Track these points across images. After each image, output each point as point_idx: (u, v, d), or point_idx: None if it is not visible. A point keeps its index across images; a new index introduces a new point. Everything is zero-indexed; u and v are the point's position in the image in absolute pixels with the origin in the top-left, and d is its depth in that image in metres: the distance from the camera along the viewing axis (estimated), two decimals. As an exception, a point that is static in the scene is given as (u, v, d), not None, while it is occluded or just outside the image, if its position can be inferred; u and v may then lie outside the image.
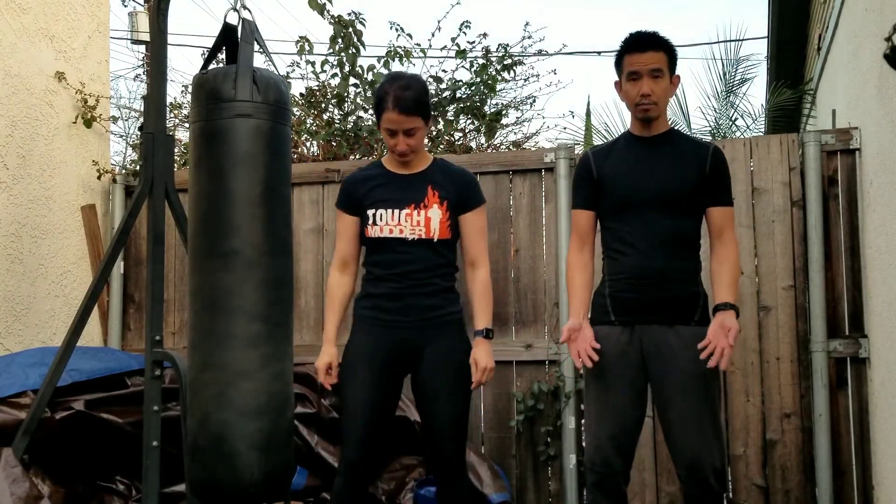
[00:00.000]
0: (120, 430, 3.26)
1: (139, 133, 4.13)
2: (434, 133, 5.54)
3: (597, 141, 7.24)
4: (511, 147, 6.58)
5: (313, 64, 5.43)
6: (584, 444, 3.22)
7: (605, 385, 2.59)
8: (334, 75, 5.35)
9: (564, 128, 12.42)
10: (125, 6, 11.35)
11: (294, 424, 2.99)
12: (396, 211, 2.69)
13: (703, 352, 2.45)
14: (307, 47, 5.24)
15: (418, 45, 5.51)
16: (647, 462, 3.72)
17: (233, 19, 2.68)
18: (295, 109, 5.54)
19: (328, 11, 5.02)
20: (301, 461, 3.47)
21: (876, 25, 3.05)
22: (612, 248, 2.65)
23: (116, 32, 13.31)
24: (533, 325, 3.96)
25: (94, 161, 4.53)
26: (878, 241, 3.23)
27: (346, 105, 5.51)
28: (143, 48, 11.63)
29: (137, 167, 4.34)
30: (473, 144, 6.01)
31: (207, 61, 2.80)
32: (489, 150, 6.09)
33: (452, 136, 5.70)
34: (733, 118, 7.47)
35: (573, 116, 11.61)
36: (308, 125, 5.55)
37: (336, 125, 5.44)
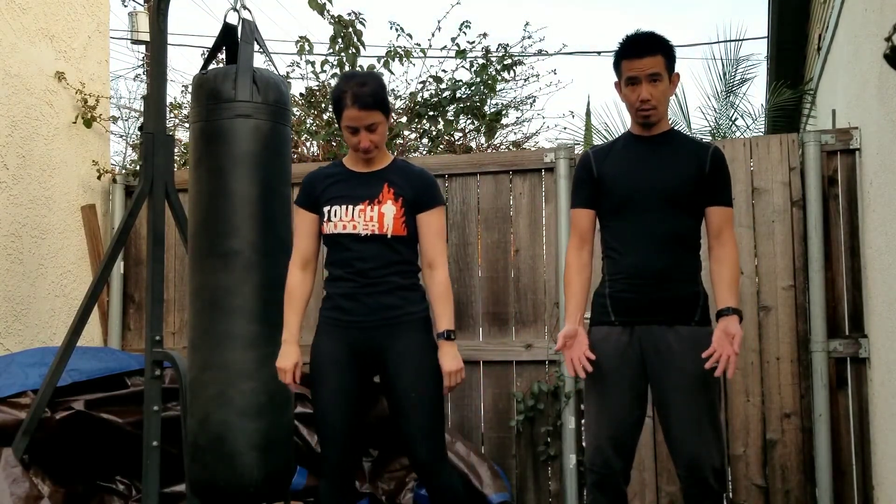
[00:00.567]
0: (120, 430, 3.26)
1: (139, 133, 4.13)
2: (434, 133, 5.54)
3: (597, 141, 7.23)
4: (511, 147, 6.58)
5: (313, 64, 5.44)
6: (584, 444, 3.22)
7: (604, 385, 2.59)
8: (334, 75, 5.35)
9: (564, 128, 12.41)
10: (125, 6, 11.37)
11: (294, 424, 2.99)
12: (350, 207, 2.66)
13: (703, 352, 2.45)
14: (307, 47, 5.24)
15: (418, 45, 5.51)
16: (647, 462, 3.72)
17: (233, 19, 2.69)
18: (295, 109, 5.54)
19: (328, 11, 5.03)
20: (301, 461, 3.47)
21: (876, 25, 3.05)
22: (611, 247, 2.64)
23: (116, 32, 13.33)
24: (533, 325, 3.96)
25: (94, 161, 4.53)
26: (878, 241, 3.23)
27: (346, 105, 5.50)
28: (143, 48, 11.63)
29: (137, 167, 4.35)
30: (473, 144, 6.01)
31: (207, 61, 2.81)
32: (489, 150, 6.10)
33: (452, 136, 5.70)
34: (733, 118, 7.46)
35: (573, 116, 11.60)
36: (308, 125, 5.55)
37: (336, 125, 5.44)
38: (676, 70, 2.63)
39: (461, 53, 5.55)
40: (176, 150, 5.33)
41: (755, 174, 3.74)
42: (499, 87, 5.69)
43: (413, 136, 5.77)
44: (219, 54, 2.81)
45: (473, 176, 4.04)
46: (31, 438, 3.08)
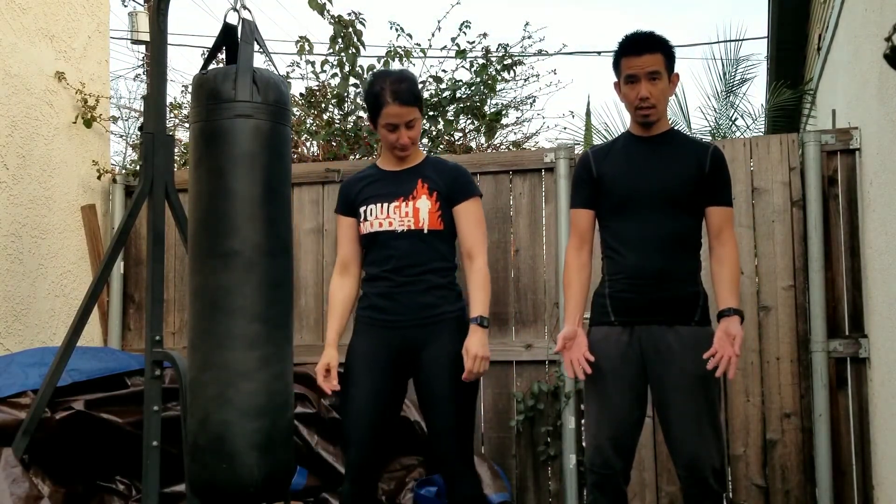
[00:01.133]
0: (120, 430, 3.26)
1: (139, 133, 4.13)
2: (434, 133, 5.54)
3: (597, 141, 7.24)
4: (511, 147, 6.58)
5: (313, 64, 5.43)
6: (584, 444, 3.22)
7: (604, 386, 2.59)
8: (334, 75, 5.35)
9: (564, 128, 12.40)
10: (125, 6, 11.38)
11: (294, 424, 2.99)
12: (385, 205, 2.68)
13: (703, 352, 2.45)
14: (307, 47, 5.24)
15: (418, 45, 5.51)
16: (647, 462, 3.72)
17: (233, 19, 2.69)
18: (295, 109, 5.53)
19: (328, 11, 5.02)
20: (301, 461, 3.47)
21: (876, 25, 3.05)
22: (611, 247, 2.65)
23: (116, 32, 13.32)
24: (533, 325, 3.96)
25: (94, 161, 4.53)
26: (878, 241, 3.23)
27: (346, 105, 5.51)
28: (143, 48, 11.63)
29: (137, 167, 4.34)
30: (473, 144, 6.01)
31: (207, 61, 2.80)
32: (489, 150, 6.10)
33: (452, 136, 5.70)
34: (733, 118, 7.47)
35: (573, 116, 11.57)
36: (308, 125, 5.55)
37: (336, 125, 5.44)
38: (676, 71, 2.64)
39: (461, 53, 5.54)
40: (176, 150, 5.33)
41: (755, 174, 3.74)
42: (499, 87, 5.68)
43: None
44: (219, 54, 2.80)
45: (473, 176, 4.03)
46: (31, 438, 3.07)
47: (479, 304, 2.65)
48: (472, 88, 5.50)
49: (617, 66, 2.64)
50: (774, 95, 6.76)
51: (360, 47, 5.12)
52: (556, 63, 27.67)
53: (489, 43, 5.80)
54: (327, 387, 2.69)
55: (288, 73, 5.65)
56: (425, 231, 2.64)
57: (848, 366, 3.55)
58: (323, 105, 5.73)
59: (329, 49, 5.15)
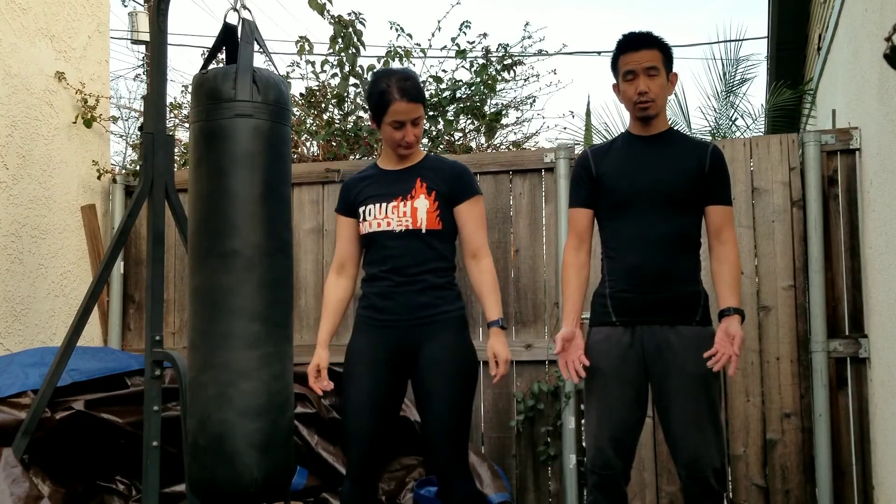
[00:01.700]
0: (120, 430, 3.26)
1: (139, 133, 4.13)
2: (434, 133, 5.54)
3: (597, 141, 7.23)
4: (511, 147, 6.58)
5: (313, 64, 5.43)
6: (584, 444, 3.22)
7: (605, 386, 2.59)
8: (334, 75, 5.36)
9: (564, 128, 12.41)
10: (125, 6, 11.37)
11: (294, 424, 2.99)
12: (384, 204, 2.67)
13: (703, 352, 2.45)
14: (307, 47, 5.24)
15: (418, 45, 5.51)
16: (647, 462, 3.72)
17: (233, 19, 2.69)
18: (295, 109, 5.53)
19: (328, 11, 5.02)
20: (301, 461, 3.47)
21: (876, 25, 3.05)
22: (611, 247, 2.64)
23: (116, 32, 13.34)
24: (533, 325, 3.96)
25: (94, 161, 4.53)
26: (877, 241, 3.23)
27: (346, 105, 5.51)
28: (143, 48, 11.64)
29: (137, 167, 4.34)
30: (473, 144, 6.01)
31: (207, 61, 2.80)
32: (489, 150, 6.10)
33: (452, 136, 5.70)
34: (733, 118, 7.47)
35: (573, 116, 11.56)
36: (308, 125, 5.55)
37: (336, 125, 5.44)
38: (675, 71, 2.64)
39: (461, 53, 5.55)
40: (176, 150, 5.33)
41: (755, 174, 3.74)
42: (499, 87, 5.69)
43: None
44: (219, 54, 2.80)
45: (473, 176, 4.03)
46: (31, 438, 3.07)
47: (493, 306, 2.65)
48: (472, 88, 5.50)
49: (615, 66, 2.64)
50: (774, 95, 6.76)
51: (360, 47, 5.12)
52: (556, 63, 27.70)
53: (489, 43, 5.82)
54: (318, 387, 2.69)
55: (288, 73, 5.66)
56: (423, 231, 2.64)
57: (848, 366, 3.55)
58: (323, 105, 5.73)
59: (329, 49, 5.15)
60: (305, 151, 5.60)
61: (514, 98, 6.31)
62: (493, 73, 5.54)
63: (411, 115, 2.64)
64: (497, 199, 4.05)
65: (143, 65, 11.83)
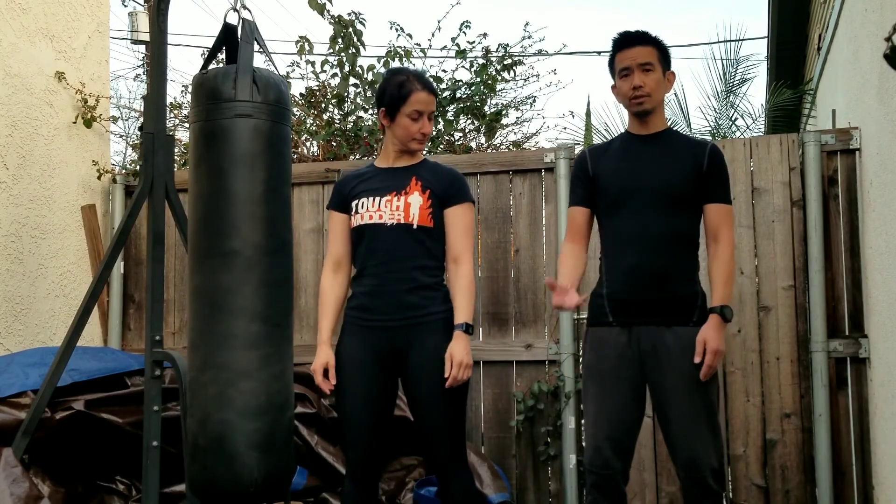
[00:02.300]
0: (120, 430, 3.26)
1: (139, 133, 4.13)
2: (434, 133, 5.55)
3: (597, 141, 7.24)
4: (511, 147, 6.58)
5: (313, 64, 5.44)
6: (583, 444, 3.22)
7: (603, 386, 2.58)
8: (334, 75, 5.36)
9: (564, 128, 12.43)
10: (125, 6, 11.38)
11: (294, 424, 2.99)
12: (377, 198, 2.67)
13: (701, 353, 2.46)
14: (307, 47, 5.25)
15: (418, 45, 5.52)
16: (647, 462, 3.72)
17: (233, 19, 2.69)
18: (295, 109, 5.54)
19: (328, 11, 5.03)
20: (301, 461, 3.47)
21: (876, 25, 3.05)
22: (609, 247, 2.64)
23: (116, 32, 13.34)
24: (533, 325, 3.96)
25: (94, 161, 4.53)
26: (877, 242, 3.23)
27: (346, 105, 5.52)
28: (143, 48, 11.65)
29: (137, 167, 4.34)
30: (473, 144, 6.01)
31: (207, 61, 2.80)
32: (489, 150, 6.10)
33: (452, 136, 5.71)
34: (733, 118, 7.47)
35: (573, 116, 11.59)
36: (308, 125, 5.56)
37: (336, 125, 5.45)
38: (672, 70, 2.64)
39: (461, 53, 5.55)
40: (176, 150, 5.33)
41: (755, 174, 3.74)
42: (499, 87, 5.70)
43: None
44: (219, 54, 2.80)
45: (473, 176, 4.04)
46: (31, 438, 3.07)
47: (463, 310, 2.62)
48: (472, 88, 5.51)
49: (612, 65, 2.65)
50: (774, 95, 6.76)
51: (360, 47, 5.13)
52: (556, 63, 27.72)
53: (489, 43, 5.83)
54: (326, 386, 2.68)
55: (288, 73, 5.67)
56: (415, 226, 2.63)
57: (848, 366, 3.55)
58: (323, 105, 5.74)
59: (329, 49, 5.15)
60: (305, 151, 5.61)
61: (514, 98, 6.33)
62: (493, 73, 5.55)
63: (430, 106, 2.70)
64: (497, 199, 4.05)
65: (143, 65, 11.83)
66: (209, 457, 2.45)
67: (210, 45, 2.81)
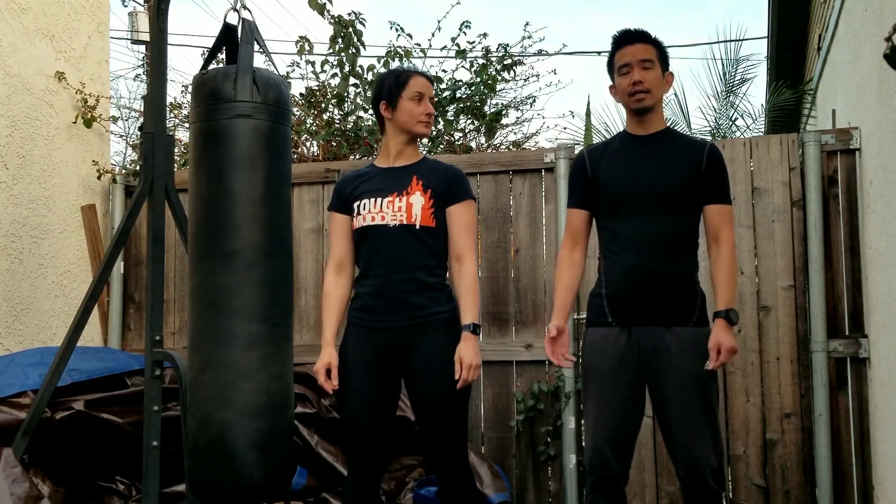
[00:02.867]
0: (120, 430, 3.26)
1: (139, 133, 4.13)
2: (434, 133, 5.55)
3: (597, 141, 7.24)
4: (511, 147, 6.58)
5: (313, 64, 5.44)
6: (583, 444, 3.22)
7: (603, 387, 2.58)
8: (334, 75, 5.36)
9: (564, 128, 12.42)
10: (125, 6, 11.38)
11: (294, 424, 2.99)
12: (379, 199, 2.67)
13: (701, 353, 2.46)
14: (307, 47, 5.25)
15: (418, 45, 5.52)
16: (647, 462, 3.72)
17: (233, 19, 2.69)
18: (295, 109, 5.54)
19: (328, 11, 5.03)
20: (301, 461, 3.47)
21: (876, 25, 3.05)
22: (608, 247, 2.64)
23: (116, 32, 13.33)
24: (533, 325, 3.96)
25: (94, 161, 4.53)
26: (878, 242, 3.23)
27: (346, 105, 5.52)
28: (143, 48, 11.65)
29: (137, 167, 4.35)
30: (473, 144, 6.01)
31: (207, 61, 2.80)
32: (489, 150, 6.10)
33: (452, 136, 5.71)
34: (733, 118, 7.47)
35: (573, 116, 11.57)
36: (308, 125, 5.56)
37: (336, 125, 5.45)
38: (671, 70, 2.64)
39: (461, 53, 5.55)
40: (176, 150, 5.33)
41: (755, 174, 3.74)
42: (499, 87, 5.69)
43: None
44: (219, 54, 2.80)
45: (473, 176, 4.04)
46: (31, 438, 3.08)
47: (469, 310, 2.62)
48: (472, 88, 5.50)
49: (611, 64, 2.65)
50: (774, 95, 6.76)
51: (360, 47, 5.13)
52: (556, 63, 27.73)
53: (489, 43, 5.83)
54: (329, 386, 2.68)
55: (288, 73, 5.67)
56: (417, 227, 2.63)
57: (848, 366, 3.55)
58: (323, 105, 5.74)
59: (329, 49, 5.15)
60: (305, 151, 5.61)
61: (514, 98, 6.32)
62: (493, 73, 5.55)
63: (429, 90, 2.73)
64: (497, 199, 4.05)
65: (143, 65, 11.83)
66: (209, 457, 2.45)
67: (210, 46, 2.81)
